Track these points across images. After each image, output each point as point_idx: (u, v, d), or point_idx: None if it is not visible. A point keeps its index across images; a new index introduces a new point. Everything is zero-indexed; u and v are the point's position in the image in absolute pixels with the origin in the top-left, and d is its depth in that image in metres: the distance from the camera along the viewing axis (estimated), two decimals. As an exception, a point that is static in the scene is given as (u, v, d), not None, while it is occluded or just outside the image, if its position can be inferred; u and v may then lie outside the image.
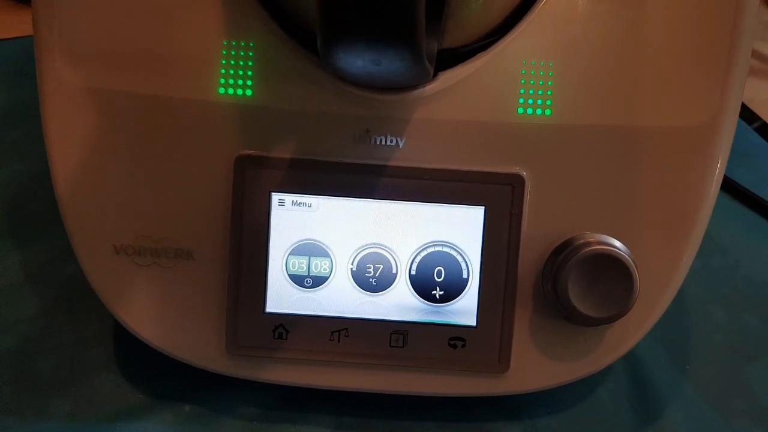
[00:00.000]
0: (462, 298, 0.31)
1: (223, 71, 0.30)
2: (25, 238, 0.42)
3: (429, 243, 0.31)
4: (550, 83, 0.30)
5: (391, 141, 0.30)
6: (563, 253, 0.30)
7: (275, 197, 0.30)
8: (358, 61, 0.22)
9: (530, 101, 0.30)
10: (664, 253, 0.30)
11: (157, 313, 0.31)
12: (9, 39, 0.61)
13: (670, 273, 0.31)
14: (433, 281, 0.31)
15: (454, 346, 0.31)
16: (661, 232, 0.30)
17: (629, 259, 0.29)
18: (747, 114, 0.59)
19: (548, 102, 0.30)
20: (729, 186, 0.49)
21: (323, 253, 0.31)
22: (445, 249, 0.31)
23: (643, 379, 0.36)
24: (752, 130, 0.58)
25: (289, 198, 0.30)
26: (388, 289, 0.31)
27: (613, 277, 0.29)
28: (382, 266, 0.31)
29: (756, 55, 0.29)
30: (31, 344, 0.36)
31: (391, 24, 0.20)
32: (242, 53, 0.30)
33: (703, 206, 0.30)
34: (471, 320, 0.31)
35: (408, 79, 0.28)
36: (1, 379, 0.34)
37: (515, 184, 0.30)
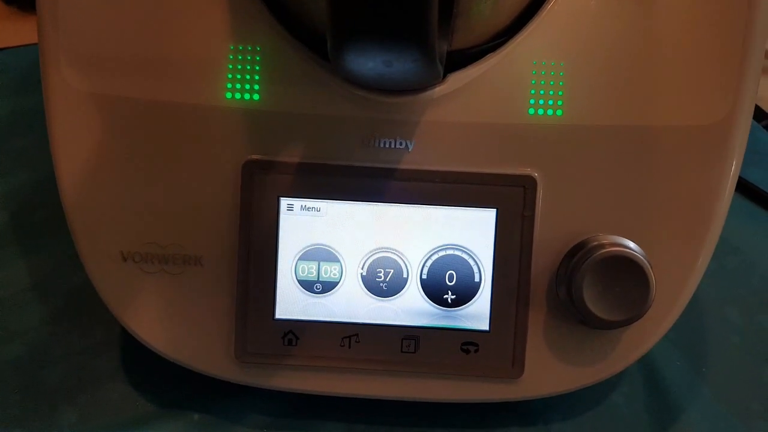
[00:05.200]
0: (474, 302, 0.30)
1: (229, 76, 0.29)
2: (32, 246, 0.42)
3: (440, 246, 0.30)
4: (561, 83, 0.29)
5: (400, 144, 0.30)
6: (577, 255, 0.29)
7: (284, 202, 0.30)
8: (369, 62, 0.22)
9: (541, 102, 0.29)
10: (679, 254, 0.30)
11: (165, 320, 0.31)
12: (13, 47, 0.60)
13: (686, 274, 0.30)
14: (445, 285, 0.30)
15: (467, 351, 0.31)
16: (676, 233, 0.30)
17: (645, 261, 0.28)
18: (756, 112, 0.58)
19: (559, 102, 0.29)
20: (739, 184, 0.49)
21: (333, 258, 0.30)
22: (457, 252, 0.30)
23: (658, 383, 0.35)
24: (761, 128, 0.57)
25: (297, 203, 0.30)
26: (399, 293, 0.31)
27: (628, 280, 0.28)
28: (392, 271, 0.30)
29: (766, 53, 0.29)
30: (38, 353, 0.35)
31: (404, 23, 0.20)
32: (249, 57, 0.29)
33: (719, 206, 0.30)
34: (483, 325, 0.30)
35: (419, 81, 0.28)
36: (9, 388, 0.34)
37: (527, 185, 0.30)
